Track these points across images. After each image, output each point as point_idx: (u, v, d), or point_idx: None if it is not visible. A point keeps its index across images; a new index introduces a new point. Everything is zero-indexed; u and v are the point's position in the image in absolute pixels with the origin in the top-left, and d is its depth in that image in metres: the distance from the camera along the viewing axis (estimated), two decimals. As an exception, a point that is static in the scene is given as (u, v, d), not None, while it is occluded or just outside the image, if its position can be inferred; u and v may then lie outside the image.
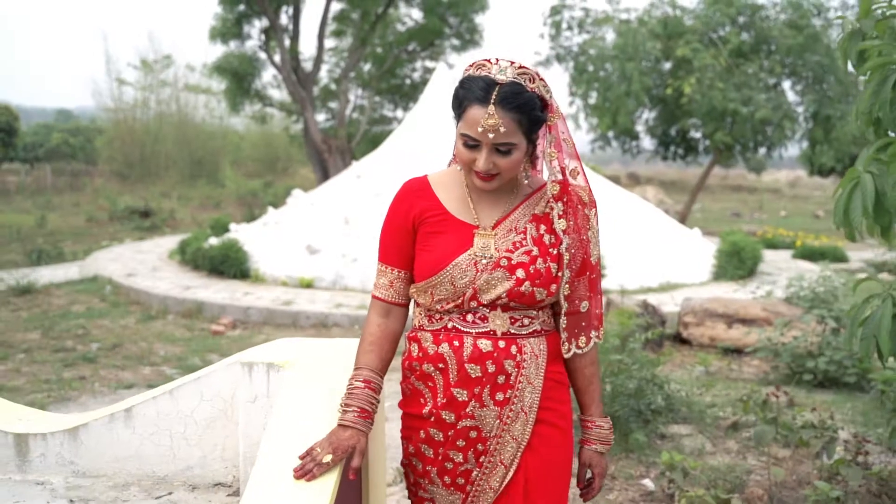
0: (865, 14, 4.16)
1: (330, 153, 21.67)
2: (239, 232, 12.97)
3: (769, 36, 19.01)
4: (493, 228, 1.97)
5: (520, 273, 1.93)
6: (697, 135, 20.91)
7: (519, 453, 1.97)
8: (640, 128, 21.21)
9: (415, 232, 2.00)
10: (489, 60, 1.88)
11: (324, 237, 11.19)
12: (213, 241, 12.31)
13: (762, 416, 4.92)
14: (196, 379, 2.38)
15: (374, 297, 2.05)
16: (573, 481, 2.16)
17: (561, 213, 1.98)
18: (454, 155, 2.04)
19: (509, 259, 1.94)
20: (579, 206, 2.00)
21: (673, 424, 5.18)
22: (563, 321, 2.03)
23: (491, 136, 1.84)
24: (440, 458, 2.00)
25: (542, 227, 2.00)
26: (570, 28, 20.23)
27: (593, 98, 19.36)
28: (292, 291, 10.08)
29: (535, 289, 1.94)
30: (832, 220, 3.72)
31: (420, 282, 1.98)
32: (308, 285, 10.43)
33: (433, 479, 2.03)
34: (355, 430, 1.89)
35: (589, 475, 2.16)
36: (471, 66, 1.90)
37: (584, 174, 2.04)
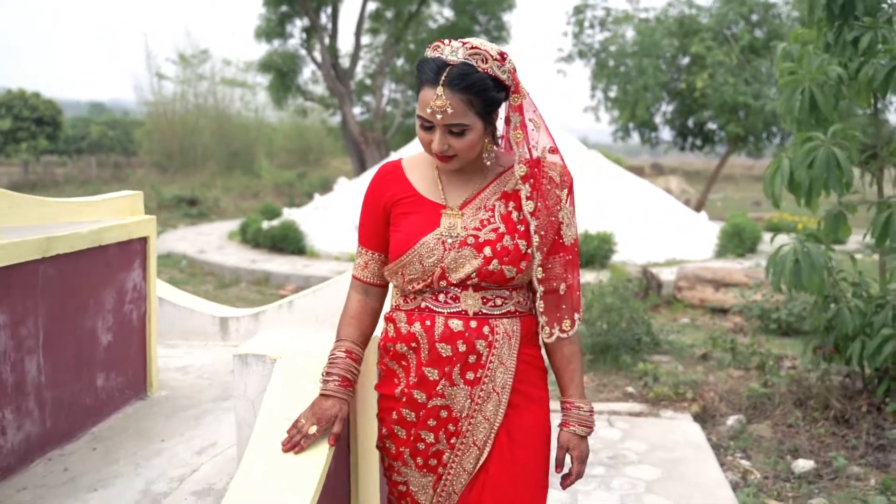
0: (795, 40, 5.67)
1: (367, 145, 23.21)
2: (292, 215, 14.56)
3: (781, 32, 20.23)
4: (462, 208, 1.97)
5: (487, 251, 1.92)
6: (713, 126, 22.18)
7: (492, 435, 1.97)
8: (658, 120, 22.51)
9: (387, 215, 2.03)
10: (443, 42, 1.87)
11: (369, 218, 12.74)
12: (267, 223, 13.90)
13: (725, 346, 6.40)
14: (332, 283, 3.92)
15: (353, 276, 2.13)
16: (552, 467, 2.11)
17: (529, 194, 1.95)
18: None
19: (476, 237, 1.94)
20: (550, 187, 1.98)
21: (656, 355, 6.66)
22: (539, 304, 2.00)
23: (439, 116, 1.84)
24: (412, 438, 2.01)
25: (511, 204, 1.98)
26: (592, 26, 21.58)
27: (613, 92, 20.75)
28: (344, 264, 11.66)
29: (503, 266, 1.92)
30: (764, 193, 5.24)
31: (392, 262, 1.99)
32: (357, 259, 12.00)
33: (406, 461, 2.04)
34: (336, 399, 1.96)
35: (568, 460, 2.08)
36: (428, 48, 1.90)
37: (559, 152, 2.03)
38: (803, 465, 4.46)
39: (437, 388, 1.96)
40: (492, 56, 1.86)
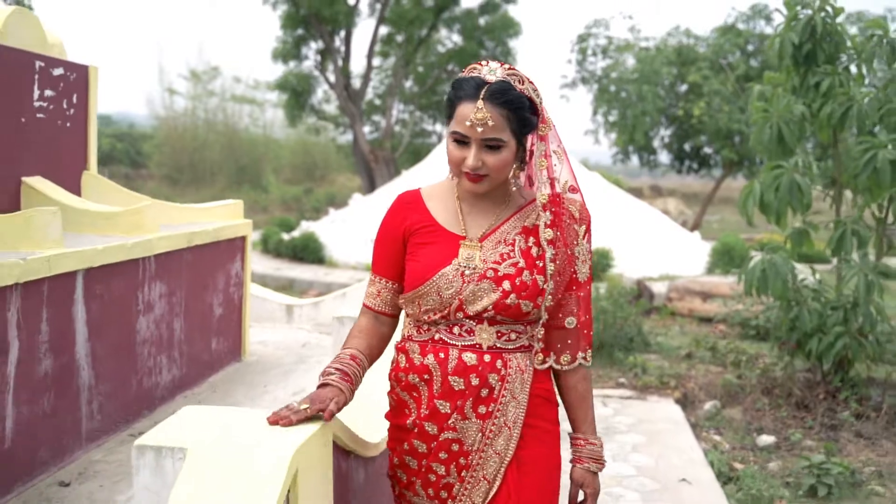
0: (768, 82, 6.59)
1: (376, 163, 24.15)
2: (310, 228, 15.50)
3: (774, 64, 21.20)
4: (482, 240, 1.97)
5: (506, 285, 1.92)
6: (709, 151, 23.15)
7: (502, 469, 1.97)
8: (657, 144, 23.49)
9: (405, 243, 2.02)
10: (480, 63, 1.91)
11: (384, 232, 13.68)
12: (286, 235, 14.84)
13: (706, 347, 7.30)
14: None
15: (363, 305, 2.09)
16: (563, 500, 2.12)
17: (549, 222, 1.95)
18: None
19: (496, 271, 1.93)
20: (569, 221, 1.99)
21: (646, 354, 7.55)
22: (539, 331, 2.00)
23: (479, 129, 1.84)
24: (423, 469, 2.01)
25: (531, 240, 1.98)
26: (594, 54, 22.64)
27: (613, 116, 21.75)
28: (362, 273, 12.58)
29: (521, 301, 1.92)
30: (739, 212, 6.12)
31: (408, 292, 1.98)
32: (373, 269, 12.92)
33: (417, 491, 2.04)
34: (334, 388, 1.91)
35: (582, 497, 2.08)
36: (463, 70, 1.92)
37: (580, 190, 2.03)
38: (766, 439, 5.34)
39: (449, 422, 1.96)
40: (528, 79, 1.92)
